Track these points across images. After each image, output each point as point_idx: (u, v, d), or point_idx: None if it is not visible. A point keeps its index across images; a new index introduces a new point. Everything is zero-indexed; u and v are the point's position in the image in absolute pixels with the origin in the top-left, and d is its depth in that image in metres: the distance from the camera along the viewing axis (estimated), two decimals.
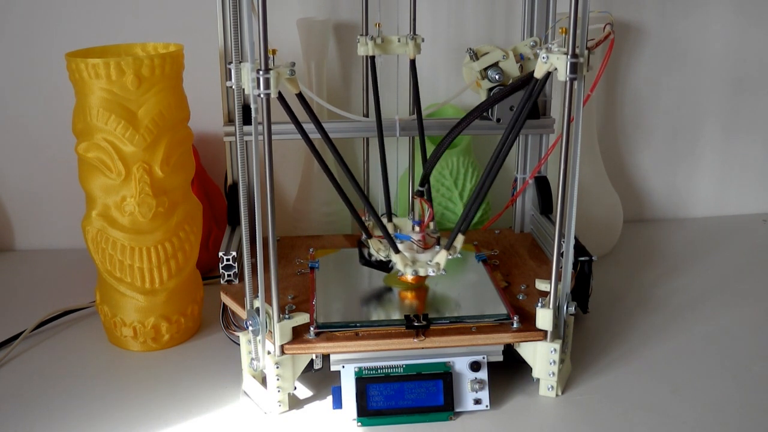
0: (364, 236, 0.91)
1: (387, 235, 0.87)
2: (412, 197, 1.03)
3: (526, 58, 0.95)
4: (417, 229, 0.92)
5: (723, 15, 1.31)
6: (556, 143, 1.07)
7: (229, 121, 1.04)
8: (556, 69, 0.78)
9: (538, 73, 0.80)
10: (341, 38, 1.24)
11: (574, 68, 0.76)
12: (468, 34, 1.26)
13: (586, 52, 0.77)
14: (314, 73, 1.18)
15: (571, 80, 0.77)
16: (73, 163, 0.95)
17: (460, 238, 0.87)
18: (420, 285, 0.94)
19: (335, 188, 0.85)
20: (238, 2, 0.78)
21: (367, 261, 0.92)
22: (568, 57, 0.76)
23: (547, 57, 0.78)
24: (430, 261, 0.88)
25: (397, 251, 0.87)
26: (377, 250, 0.90)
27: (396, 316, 0.87)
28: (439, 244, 0.90)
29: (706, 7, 1.30)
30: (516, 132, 0.83)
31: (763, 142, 1.39)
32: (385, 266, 0.92)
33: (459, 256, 0.88)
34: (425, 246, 0.90)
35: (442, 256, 0.87)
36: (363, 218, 0.91)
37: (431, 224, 0.92)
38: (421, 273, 0.88)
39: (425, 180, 0.94)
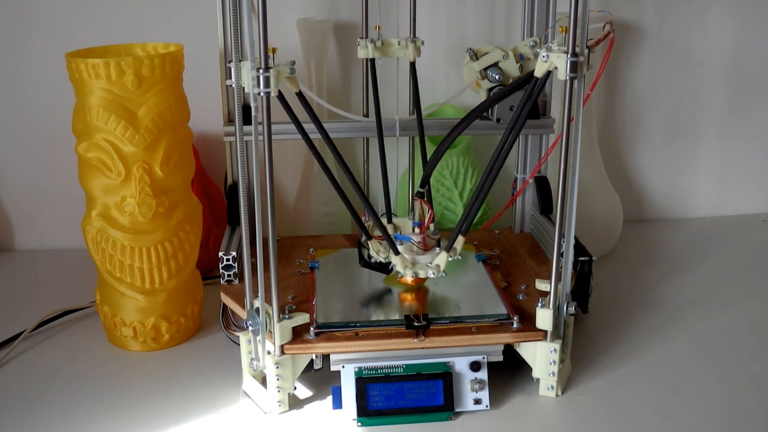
0: (363, 237, 0.90)
1: (387, 236, 0.86)
2: (413, 198, 1.03)
3: (526, 58, 0.95)
4: (417, 230, 0.91)
5: (723, 15, 1.31)
6: (556, 143, 1.07)
7: (229, 121, 1.04)
8: (556, 68, 0.78)
9: (539, 72, 0.80)
10: (341, 38, 1.24)
11: (575, 67, 0.76)
12: (468, 34, 1.26)
13: (586, 50, 0.77)
14: (314, 73, 1.18)
15: (571, 79, 0.77)
16: (73, 163, 0.95)
17: (460, 240, 0.86)
18: (420, 285, 0.93)
19: (335, 189, 0.84)
20: (238, 2, 0.78)
21: (367, 263, 0.92)
22: (569, 56, 0.76)
23: (548, 56, 0.78)
24: (430, 263, 0.87)
25: (396, 253, 0.86)
26: (377, 251, 0.89)
27: (396, 316, 0.87)
28: (439, 245, 0.89)
29: (706, 7, 1.30)
30: (516, 132, 0.82)
31: (762, 142, 1.39)
32: (384, 268, 0.91)
33: (459, 257, 0.87)
34: (425, 248, 0.88)
35: (442, 258, 0.86)
36: (363, 219, 0.91)
37: (431, 226, 0.92)
38: (421, 275, 0.87)
39: (426, 181, 0.93)
